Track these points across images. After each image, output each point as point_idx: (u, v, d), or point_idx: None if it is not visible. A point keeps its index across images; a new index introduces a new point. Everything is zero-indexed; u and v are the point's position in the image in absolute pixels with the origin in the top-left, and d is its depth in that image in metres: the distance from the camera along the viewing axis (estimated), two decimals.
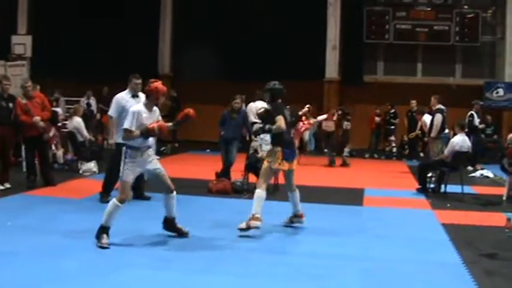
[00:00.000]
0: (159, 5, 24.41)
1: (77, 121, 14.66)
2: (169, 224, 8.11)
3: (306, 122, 15.64)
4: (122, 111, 9.96)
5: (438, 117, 13.81)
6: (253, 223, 8.24)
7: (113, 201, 7.60)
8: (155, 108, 8.00)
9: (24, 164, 12.63)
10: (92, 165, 14.08)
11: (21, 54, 23.04)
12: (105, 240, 7.36)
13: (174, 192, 8.00)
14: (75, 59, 22.63)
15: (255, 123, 13.10)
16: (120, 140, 9.38)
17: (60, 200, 10.50)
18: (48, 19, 23.66)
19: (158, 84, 7.94)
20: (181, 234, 8.10)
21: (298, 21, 22.57)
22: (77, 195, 11.03)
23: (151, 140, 8.07)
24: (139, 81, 10.35)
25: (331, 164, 17.55)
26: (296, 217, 8.98)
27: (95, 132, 18.36)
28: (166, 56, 24.59)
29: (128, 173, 7.65)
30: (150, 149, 8.02)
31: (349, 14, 23.46)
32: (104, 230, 7.43)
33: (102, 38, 22.87)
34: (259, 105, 12.59)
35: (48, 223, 8.63)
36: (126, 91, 10.44)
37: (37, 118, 11.41)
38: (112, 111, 10.40)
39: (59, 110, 17.89)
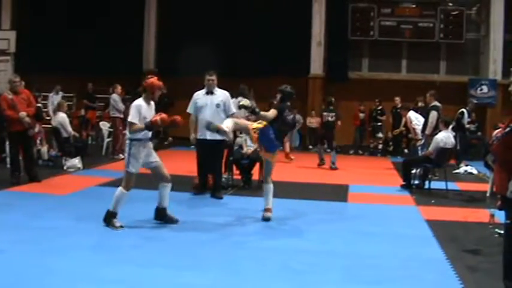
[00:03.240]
0: (143, 0, 24.31)
1: (62, 117, 14.59)
2: (160, 213, 8.54)
3: None
4: (195, 108, 10.77)
5: (433, 114, 13.68)
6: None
7: (120, 188, 8.16)
8: (152, 102, 8.46)
9: (8, 160, 12.58)
10: (77, 162, 14.03)
11: (5, 50, 22.95)
12: (117, 224, 8.09)
13: (170, 184, 8.49)
14: (59, 55, 22.50)
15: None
16: (200, 137, 10.60)
17: (45, 196, 10.47)
18: (33, 15, 23.53)
19: (154, 79, 8.49)
20: (172, 222, 8.54)
21: (283, 18, 22.57)
22: (62, 191, 11.00)
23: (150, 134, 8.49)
24: (213, 77, 10.85)
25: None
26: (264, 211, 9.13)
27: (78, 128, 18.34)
28: (151, 52, 24.49)
29: (133, 164, 8.15)
30: (150, 142, 8.49)
31: (334, 10, 23.44)
32: (112, 215, 8.10)
33: (86, 33, 22.73)
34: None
35: (32, 219, 8.58)
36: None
37: (23, 113, 11.37)
38: (189, 109, 10.90)
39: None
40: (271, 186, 9.13)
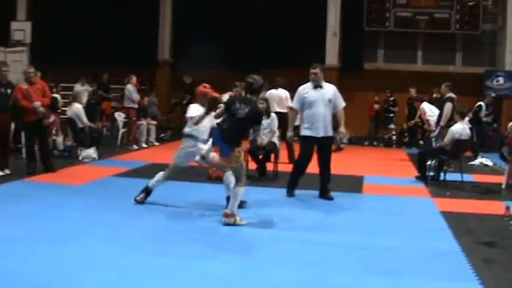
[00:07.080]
0: None
1: (77, 107, 14.61)
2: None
3: None
4: (303, 102, 10.09)
5: (449, 105, 13.60)
6: None
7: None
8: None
9: (23, 150, 12.64)
10: (92, 152, 14.07)
11: (21, 41, 23.05)
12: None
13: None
14: (74, 46, 22.56)
15: (278, 112, 13.15)
16: (308, 133, 10.03)
17: (60, 187, 10.51)
18: (48, 5, 23.56)
19: (199, 87, 9.26)
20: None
21: (299, 9, 22.47)
22: (77, 181, 11.04)
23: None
24: (315, 70, 10.03)
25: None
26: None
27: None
28: (166, 42, 24.49)
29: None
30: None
31: (349, 1, 23.36)
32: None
33: (101, 24, 22.80)
34: (282, 93, 12.40)
35: (48, 209, 8.65)
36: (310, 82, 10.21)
37: (37, 103, 11.43)
38: (294, 103, 10.34)
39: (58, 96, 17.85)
40: (241, 189, 8.14)
